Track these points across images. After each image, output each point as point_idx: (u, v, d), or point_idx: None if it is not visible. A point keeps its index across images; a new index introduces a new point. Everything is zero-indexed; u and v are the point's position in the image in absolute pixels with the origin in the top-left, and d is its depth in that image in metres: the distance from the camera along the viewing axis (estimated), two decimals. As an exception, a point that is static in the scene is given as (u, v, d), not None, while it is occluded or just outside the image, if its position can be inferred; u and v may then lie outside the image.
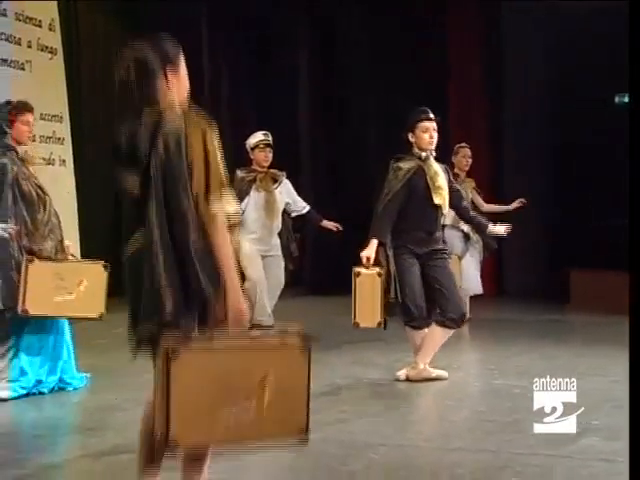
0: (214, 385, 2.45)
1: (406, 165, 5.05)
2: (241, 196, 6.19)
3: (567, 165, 9.14)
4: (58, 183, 5.03)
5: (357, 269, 5.00)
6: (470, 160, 7.31)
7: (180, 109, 2.61)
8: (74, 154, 8.22)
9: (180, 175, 2.53)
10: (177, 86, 2.66)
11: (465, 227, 7.47)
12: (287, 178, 6.50)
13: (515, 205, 7.55)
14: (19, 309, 4.54)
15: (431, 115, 5.06)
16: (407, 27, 9.28)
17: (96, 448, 3.78)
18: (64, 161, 8.11)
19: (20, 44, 7.69)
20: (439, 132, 5.10)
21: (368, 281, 4.99)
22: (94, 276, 4.68)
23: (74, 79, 8.36)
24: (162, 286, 2.52)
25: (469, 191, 7.53)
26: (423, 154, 5.05)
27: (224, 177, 2.58)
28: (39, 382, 4.76)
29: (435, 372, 5.10)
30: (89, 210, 8.21)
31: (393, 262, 5.04)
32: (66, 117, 8.22)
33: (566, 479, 3.33)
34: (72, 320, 4.98)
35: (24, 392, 4.69)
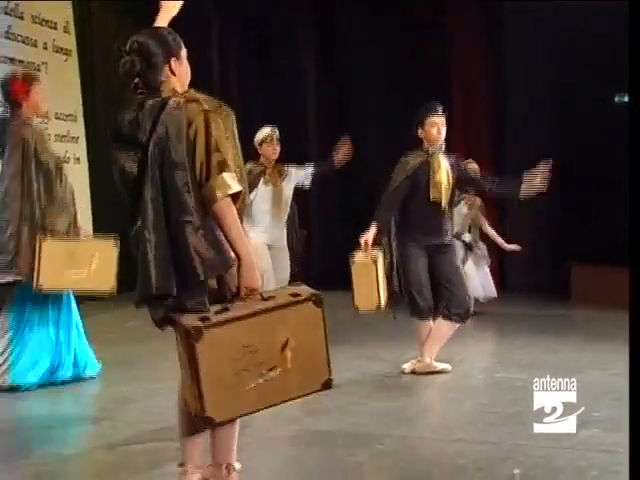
0: (239, 356, 2.47)
1: (413, 160, 5.04)
2: (250, 189, 6.21)
3: (568, 164, 9.08)
4: (72, 181, 5.08)
5: (353, 255, 5.03)
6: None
7: (183, 96, 2.61)
8: (88, 152, 8.23)
9: (178, 158, 2.53)
10: (180, 74, 2.69)
11: (467, 237, 7.47)
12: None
13: (511, 248, 7.66)
14: (34, 285, 4.55)
15: (440, 110, 5.04)
16: (407, 27, 9.18)
17: (109, 439, 3.78)
18: (78, 159, 8.14)
19: (36, 46, 7.71)
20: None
21: (363, 266, 5.01)
22: (105, 252, 4.71)
23: (88, 79, 8.38)
24: (149, 261, 2.52)
25: (475, 208, 7.50)
26: (431, 149, 5.03)
27: (227, 159, 2.56)
28: (51, 372, 4.77)
29: (440, 366, 5.08)
30: (102, 207, 8.22)
31: (397, 253, 5.03)
32: (80, 116, 8.24)
33: (567, 470, 3.31)
34: (83, 314, 5.01)
35: (35, 381, 4.69)
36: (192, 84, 2.74)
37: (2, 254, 4.63)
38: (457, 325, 5.10)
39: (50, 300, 4.78)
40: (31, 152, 4.61)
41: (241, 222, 2.61)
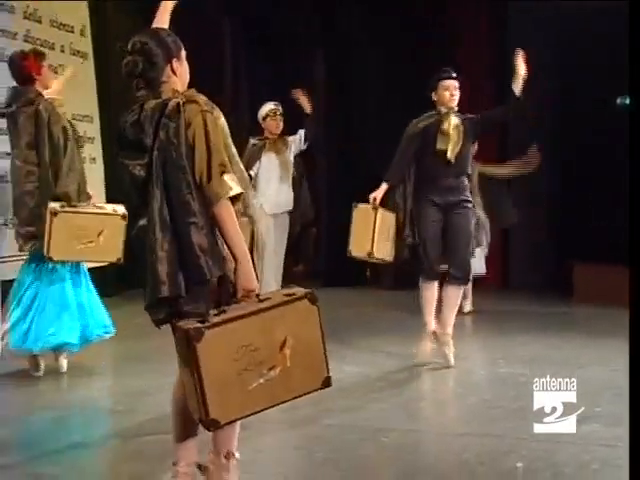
0: (239, 356, 2.44)
1: (425, 120, 5.09)
2: (252, 161, 6.28)
3: (568, 164, 9.04)
4: (88, 180, 5.12)
5: (357, 204, 5.10)
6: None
7: (183, 96, 2.60)
8: (104, 153, 8.25)
9: (180, 160, 2.52)
10: (181, 74, 2.69)
11: None
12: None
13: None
14: (45, 254, 4.61)
15: (452, 74, 5.08)
16: (408, 27, 9.10)
17: (125, 430, 3.79)
18: (94, 159, 8.15)
19: (54, 49, 7.72)
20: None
21: (363, 212, 5.05)
22: (113, 226, 4.74)
23: (103, 82, 8.39)
24: (158, 264, 2.51)
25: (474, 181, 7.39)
26: (443, 109, 5.05)
27: (227, 160, 2.56)
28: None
29: (451, 352, 5.03)
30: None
31: (413, 209, 5.01)
32: (96, 118, 8.25)
33: (569, 463, 3.30)
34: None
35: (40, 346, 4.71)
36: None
37: (29, 225, 4.70)
38: (461, 289, 5.09)
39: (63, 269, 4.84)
40: (44, 123, 4.65)
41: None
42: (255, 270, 2.59)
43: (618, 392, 4.16)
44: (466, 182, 5.09)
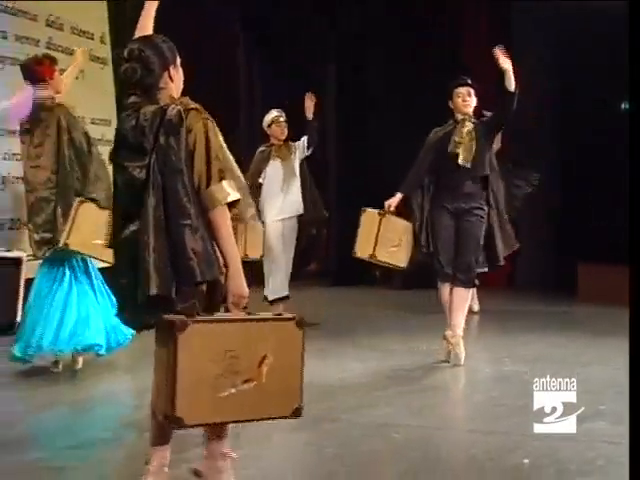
0: (219, 359, 2.39)
1: (443, 129, 5.12)
2: (260, 168, 6.29)
3: (568, 164, 8.96)
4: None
5: (365, 209, 5.25)
6: None
7: (180, 102, 2.58)
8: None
9: (178, 164, 2.49)
10: (176, 81, 2.67)
11: None
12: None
13: None
14: (61, 242, 4.57)
15: (466, 81, 5.10)
16: (408, 27, 9.02)
17: (140, 424, 3.78)
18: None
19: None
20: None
21: (370, 216, 5.23)
22: None
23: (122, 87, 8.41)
24: (149, 264, 2.47)
25: None
26: (459, 116, 5.06)
27: (226, 167, 2.54)
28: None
29: (462, 352, 5.00)
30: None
31: (429, 214, 5.05)
32: (114, 121, 8.26)
33: (574, 460, 3.26)
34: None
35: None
36: (190, 90, 2.72)
37: (46, 232, 4.64)
38: (470, 291, 5.09)
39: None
40: (64, 129, 4.63)
41: (235, 232, 2.58)
42: (248, 277, 2.56)
43: (621, 390, 4.10)
44: (478, 189, 5.04)
